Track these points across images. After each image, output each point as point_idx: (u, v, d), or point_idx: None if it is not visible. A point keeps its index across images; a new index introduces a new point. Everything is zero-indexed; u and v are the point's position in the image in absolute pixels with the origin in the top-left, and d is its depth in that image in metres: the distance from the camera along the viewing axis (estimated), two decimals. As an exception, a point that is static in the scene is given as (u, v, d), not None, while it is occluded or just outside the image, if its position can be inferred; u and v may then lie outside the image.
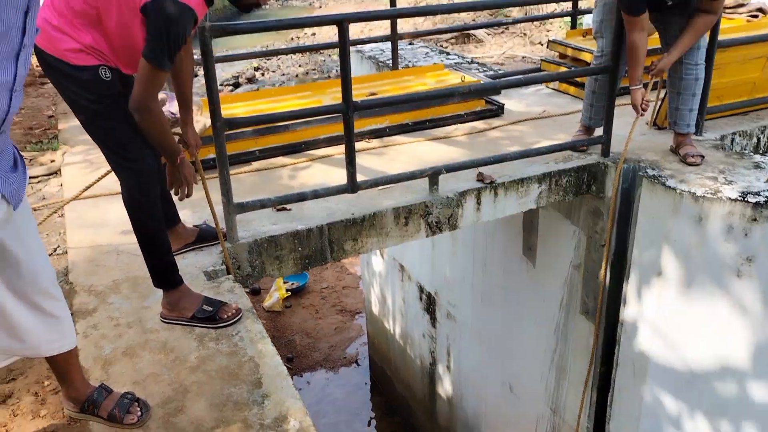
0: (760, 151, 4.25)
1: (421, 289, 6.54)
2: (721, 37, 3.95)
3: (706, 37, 3.72)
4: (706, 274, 3.46)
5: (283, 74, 19.58)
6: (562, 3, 5.73)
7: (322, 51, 20.04)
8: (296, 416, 2.04)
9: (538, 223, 4.54)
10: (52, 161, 4.62)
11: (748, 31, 4.85)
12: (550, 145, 3.88)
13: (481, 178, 3.69)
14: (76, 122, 2.58)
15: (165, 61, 2.24)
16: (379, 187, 3.51)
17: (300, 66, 19.65)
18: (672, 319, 3.65)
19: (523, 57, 20.43)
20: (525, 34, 20.31)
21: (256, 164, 3.97)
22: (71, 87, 2.33)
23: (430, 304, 6.44)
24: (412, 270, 6.67)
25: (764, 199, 3.23)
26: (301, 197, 3.21)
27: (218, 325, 2.54)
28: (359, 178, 3.33)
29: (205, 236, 3.10)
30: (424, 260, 6.37)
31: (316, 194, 3.23)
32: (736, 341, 3.53)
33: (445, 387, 6.51)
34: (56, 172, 4.47)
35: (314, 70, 19.34)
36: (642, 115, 3.68)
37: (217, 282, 2.86)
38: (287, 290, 10.10)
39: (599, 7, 3.79)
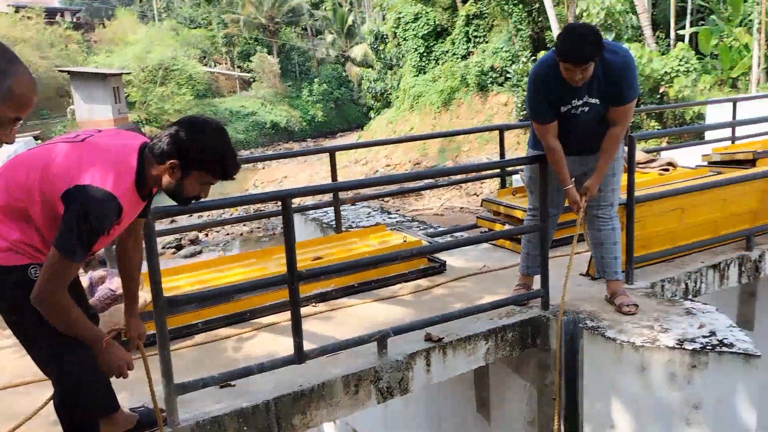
0: (689, 297, 4.45)
1: (376, 454, 6.25)
2: (637, 193, 4.28)
3: (621, 196, 4.01)
4: (657, 422, 3.47)
5: (227, 234, 19.74)
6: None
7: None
8: None
9: (489, 379, 4.52)
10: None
11: (661, 184, 5.28)
12: (493, 301, 3.97)
13: (429, 338, 3.70)
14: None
15: (77, 251, 2.11)
16: (327, 356, 3.46)
17: (244, 224, 19.89)
18: (631, 473, 3.58)
19: (461, 208, 21.41)
20: (461, 186, 21.41)
21: (198, 337, 3.89)
22: None
23: (385, 470, 6.13)
24: (365, 433, 6.41)
25: (700, 346, 3.34)
26: (246, 372, 3.13)
27: None
28: (307, 346, 3.30)
29: (144, 422, 2.94)
30: (376, 421, 6.15)
31: (262, 368, 3.16)
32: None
33: None
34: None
35: (259, 228, 19.61)
36: (583, 213, 3.82)
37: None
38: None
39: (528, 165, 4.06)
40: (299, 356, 3.22)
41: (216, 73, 47.13)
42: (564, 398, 3.88)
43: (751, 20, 22.30)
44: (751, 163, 5.79)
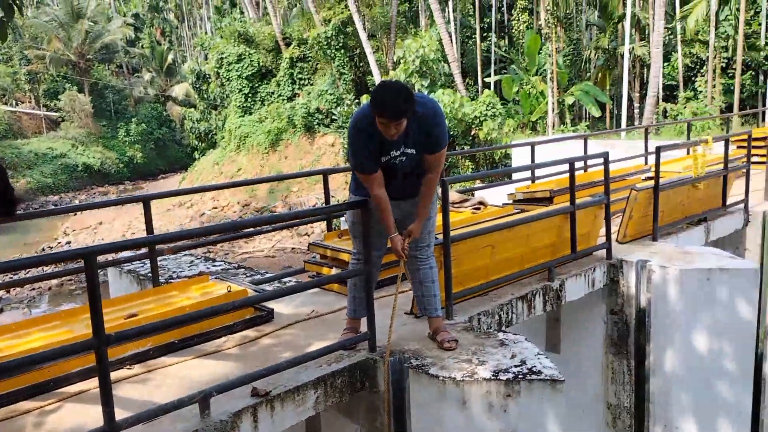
0: (503, 327, 4.78)
1: None
2: (452, 232, 4.54)
3: (436, 237, 4.23)
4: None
5: (33, 288, 17.83)
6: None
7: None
8: None
9: (321, 427, 4.47)
10: None
11: (473, 222, 5.65)
12: (321, 348, 3.94)
13: (255, 392, 3.57)
14: None
15: None
16: (144, 424, 3.21)
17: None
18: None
19: (293, 248, 21.32)
20: (292, 227, 21.35)
21: (-8, 415, 3.42)
22: None
23: None
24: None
25: (513, 375, 3.57)
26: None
27: None
28: (121, 414, 3.03)
29: None
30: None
31: (67, 447, 2.84)
32: None
33: None
34: None
35: (71, 280, 17.95)
36: (405, 259, 3.95)
37: None
38: None
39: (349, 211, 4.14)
40: (110, 427, 2.94)
41: (18, 112, 43.01)
42: (394, 439, 3.94)
43: (545, 70, 25.11)
44: (549, 200, 6.42)
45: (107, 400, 2.94)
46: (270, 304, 4.82)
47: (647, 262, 5.58)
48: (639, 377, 5.59)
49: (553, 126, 23.75)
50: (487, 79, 28.46)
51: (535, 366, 3.67)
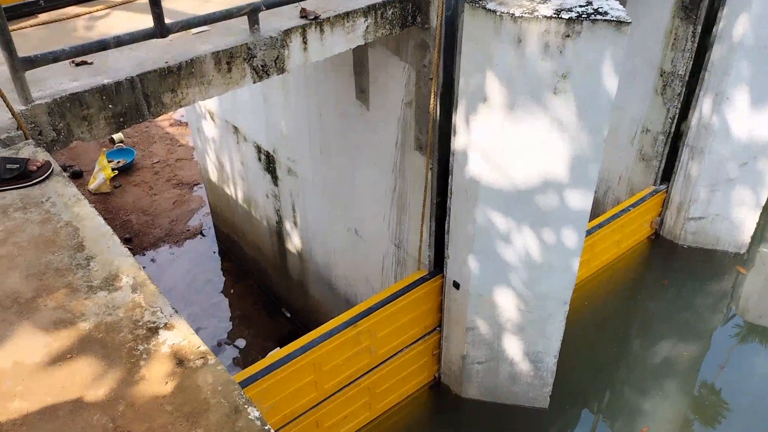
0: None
1: (259, 149, 6.34)
2: None
3: None
4: (526, 94, 3.62)
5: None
6: None
7: None
8: (128, 273, 1.89)
9: (368, 62, 4.45)
10: None
11: None
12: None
13: (304, 14, 3.46)
14: None
15: None
16: (194, 31, 3.18)
17: None
18: (498, 143, 3.84)
19: None
20: None
21: (42, 16, 3.41)
22: None
23: (269, 163, 6.29)
24: (246, 130, 6.41)
25: (576, 15, 3.35)
26: (102, 46, 2.81)
27: (33, 182, 2.26)
28: (170, 20, 2.98)
29: None
30: (257, 118, 6.11)
31: (120, 41, 2.85)
32: (555, 155, 3.81)
33: (294, 242, 6.58)
34: None
35: None
36: None
37: (15, 149, 2.50)
38: (113, 169, 9.41)
39: None
40: (161, 29, 2.91)
41: None
42: (441, 77, 3.92)
43: None
44: None
45: (156, 2, 2.86)
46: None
47: None
48: (701, 45, 5.31)
49: None
50: None
51: (601, 7, 3.42)
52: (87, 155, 10.12)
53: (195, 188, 9.52)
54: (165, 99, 3.04)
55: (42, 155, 2.45)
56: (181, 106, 3.15)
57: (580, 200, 3.99)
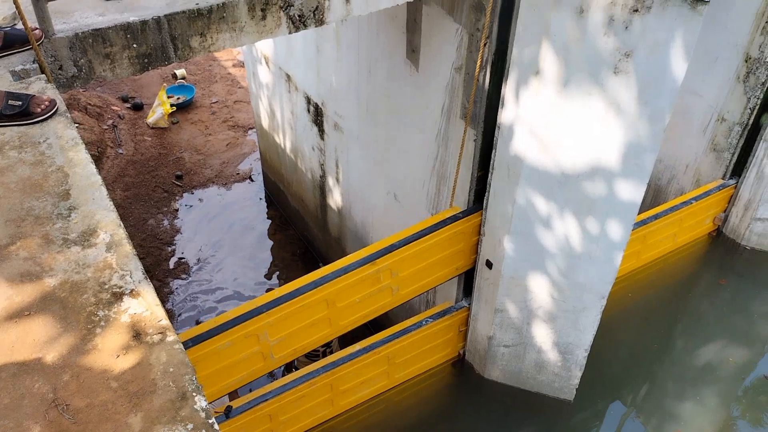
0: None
1: (309, 100, 6.20)
2: None
3: None
4: (583, 71, 3.31)
5: None
6: None
7: None
8: (107, 228, 1.79)
9: (422, 21, 4.19)
10: None
11: None
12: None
13: (350, -37, 3.23)
14: None
15: None
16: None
17: None
18: (547, 120, 3.56)
19: None
20: None
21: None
22: None
23: (317, 116, 6.15)
24: (298, 80, 6.26)
25: (648, -12, 3.00)
26: (129, -19, 2.69)
27: (33, 120, 2.18)
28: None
29: (13, 41, 2.58)
30: (309, 68, 5.95)
31: (148, -23, 2.71)
32: (608, 140, 3.51)
33: (335, 199, 6.47)
34: None
35: None
36: None
37: (26, 83, 2.42)
38: (172, 105, 9.48)
39: None
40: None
41: None
42: (495, 44, 3.64)
43: None
44: None
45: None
46: None
47: None
48: (797, 32, 4.78)
49: None
50: None
51: (679, -20, 3.05)
52: (150, 88, 10.22)
53: (249, 132, 9.51)
54: (193, 43, 2.90)
55: (51, 92, 2.36)
56: (210, 52, 3.01)
57: (631, 191, 3.68)
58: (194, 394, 1.39)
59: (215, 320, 3.82)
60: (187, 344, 3.65)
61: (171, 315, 6.95)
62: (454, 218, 4.31)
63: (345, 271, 4.06)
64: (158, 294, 6.45)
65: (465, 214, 4.34)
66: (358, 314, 4.35)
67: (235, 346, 3.87)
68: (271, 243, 7.98)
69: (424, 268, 4.40)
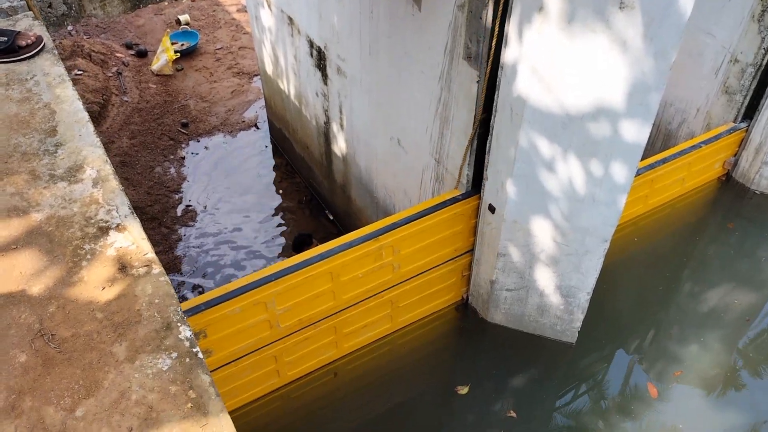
0: None
1: (311, 44, 6.09)
2: None
3: None
4: (588, 6, 3.21)
5: None
6: None
7: None
8: (93, 164, 1.78)
9: (423, -43, 4.06)
10: None
11: None
12: None
13: None
14: None
15: None
16: None
17: None
18: (551, 59, 3.47)
19: None
20: None
21: None
22: None
23: (320, 60, 6.05)
24: (300, 22, 6.14)
25: None
26: None
27: (20, 57, 2.14)
28: None
29: None
30: (311, 10, 5.82)
31: None
32: (613, 79, 3.43)
33: (340, 145, 6.42)
34: None
35: None
36: None
37: (13, 20, 2.38)
38: (176, 51, 9.37)
39: None
40: None
41: None
42: (498, -21, 3.53)
43: None
44: None
45: None
46: None
47: None
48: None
49: None
50: None
51: None
52: (153, 35, 10.09)
53: (254, 79, 9.41)
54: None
55: (38, 29, 2.32)
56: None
57: (636, 132, 3.61)
58: (179, 324, 1.40)
59: (226, 287, 3.92)
60: (200, 308, 3.75)
61: (179, 261, 7.02)
62: (453, 200, 4.45)
63: (349, 245, 4.17)
64: (167, 241, 6.54)
65: (464, 196, 4.47)
66: (360, 289, 4.50)
67: (245, 312, 3.98)
68: (277, 190, 7.98)
69: (425, 247, 4.55)
